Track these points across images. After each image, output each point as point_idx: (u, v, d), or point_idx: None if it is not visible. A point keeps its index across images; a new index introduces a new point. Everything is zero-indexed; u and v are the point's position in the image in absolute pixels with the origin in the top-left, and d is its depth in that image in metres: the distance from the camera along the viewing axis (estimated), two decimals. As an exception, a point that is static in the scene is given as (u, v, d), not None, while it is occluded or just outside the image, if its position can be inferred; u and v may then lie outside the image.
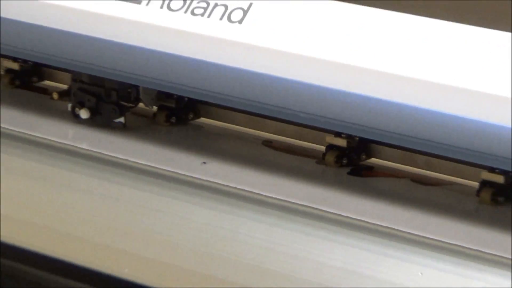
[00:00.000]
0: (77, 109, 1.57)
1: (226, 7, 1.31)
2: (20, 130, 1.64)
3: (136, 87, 1.56)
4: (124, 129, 1.58)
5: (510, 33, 1.15)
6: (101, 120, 1.59)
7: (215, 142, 1.52)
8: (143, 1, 1.39)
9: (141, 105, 1.63)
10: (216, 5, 1.35)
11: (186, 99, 1.49)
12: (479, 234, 1.19)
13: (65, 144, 1.55)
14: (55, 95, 1.68)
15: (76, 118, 1.60)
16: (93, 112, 1.56)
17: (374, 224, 1.22)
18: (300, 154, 1.45)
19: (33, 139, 1.59)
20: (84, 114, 1.55)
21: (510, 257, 1.12)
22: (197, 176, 1.37)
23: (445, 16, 1.23)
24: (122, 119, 1.56)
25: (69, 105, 1.61)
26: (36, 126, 1.67)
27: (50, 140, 1.59)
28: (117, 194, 1.50)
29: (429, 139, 1.23)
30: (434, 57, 1.21)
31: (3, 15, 1.58)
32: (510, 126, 1.11)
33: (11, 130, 1.61)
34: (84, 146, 1.54)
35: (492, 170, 1.22)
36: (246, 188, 1.33)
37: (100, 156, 1.53)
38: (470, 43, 1.19)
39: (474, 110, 1.18)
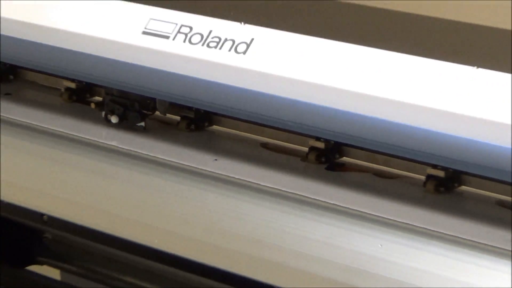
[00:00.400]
0: (108, 116, 1.62)
1: (233, 41, 1.37)
2: (73, 133, 1.64)
3: (153, 99, 1.61)
4: (146, 131, 1.64)
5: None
6: (126, 124, 1.60)
7: (224, 144, 1.58)
8: (170, 36, 1.44)
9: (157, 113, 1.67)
10: (226, 39, 1.39)
11: (203, 111, 1.57)
12: (424, 216, 1.25)
13: (100, 142, 1.61)
14: (92, 105, 1.70)
15: (108, 123, 1.63)
16: (121, 118, 1.62)
17: (344, 207, 1.27)
18: (289, 153, 1.49)
19: (80, 139, 1.62)
20: (114, 119, 1.61)
21: (448, 233, 1.19)
22: (210, 169, 1.44)
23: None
24: (142, 124, 1.62)
25: (103, 113, 1.64)
26: (82, 129, 1.65)
27: (90, 139, 1.63)
28: (140, 182, 1.57)
29: (384, 142, 1.27)
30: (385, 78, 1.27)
31: (56, 44, 1.60)
32: (432, 128, 1.19)
33: (67, 133, 1.64)
34: (114, 143, 1.60)
35: (435, 166, 1.28)
36: (247, 179, 1.39)
37: (126, 152, 1.58)
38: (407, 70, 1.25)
39: (412, 118, 1.22)
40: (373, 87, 1.26)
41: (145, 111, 1.63)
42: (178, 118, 1.63)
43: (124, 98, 1.63)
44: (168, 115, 1.67)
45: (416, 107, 1.23)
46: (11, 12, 1.66)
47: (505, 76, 1.17)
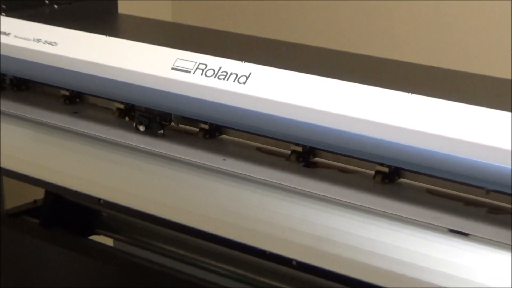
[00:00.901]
0: (138, 125, 1.69)
1: (236, 75, 1.44)
2: (117, 139, 1.69)
3: (170, 114, 1.69)
4: (168, 137, 1.70)
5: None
6: (151, 131, 1.68)
7: (230, 148, 1.63)
8: (191, 71, 1.51)
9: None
10: (231, 73, 1.46)
11: (215, 124, 1.63)
12: (374, 200, 1.36)
13: (131, 144, 1.67)
14: (127, 119, 1.76)
15: (137, 131, 1.69)
16: (146, 127, 1.68)
17: (316, 193, 1.38)
18: (276, 155, 1.57)
19: (121, 143, 1.68)
20: (141, 128, 1.68)
21: (390, 212, 1.31)
22: (219, 167, 1.53)
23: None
24: (162, 131, 1.68)
25: (134, 123, 1.71)
26: (122, 136, 1.69)
27: (126, 143, 1.68)
28: (166, 175, 1.63)
29: (345, 147, 1.38)
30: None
31: (114, 78, 1.66)
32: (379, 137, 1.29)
33: (115, 140, 1.69)
34: (142, 145, 1.65)
35: (381, 164, 1.39)
36: (247, 174, 1.48)
37: (151, 151, 1.64)
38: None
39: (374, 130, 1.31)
40: (334, 107, 1.36)
41: (164, 122, 1.70)
42: (197, 129, 1.67)
43: (149, 113, 1.70)
44: (189, 127, 1.72)
45: (365, 122, 1.32)
46: (82, 54, 1.68)
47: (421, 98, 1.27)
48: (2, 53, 1.74)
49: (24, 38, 1.72)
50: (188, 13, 3.17)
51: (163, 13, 3.15)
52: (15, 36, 1.74)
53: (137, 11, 2.50)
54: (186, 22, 2.97)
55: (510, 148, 1.15)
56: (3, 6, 1.84)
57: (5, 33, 1.74)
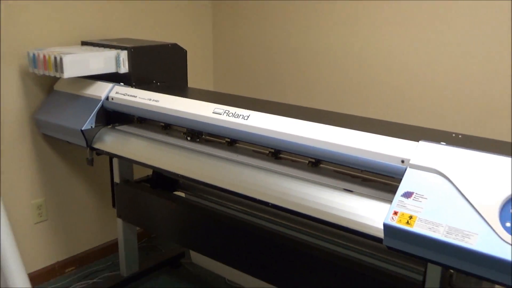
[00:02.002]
0: (187, 137, 1.81)
1: (243, 115, 1.58)
2: (180, 144, 1.79)
3: (201, 132, 1.79)
4: (202, 142, 1.75)
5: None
6: (194, 140, 1.76)
7: (240, 150, 1.71)
8: (222, 113, 1.63)
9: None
10: (237, 113, 1.59)
11: (232, 139, 1.71)
12: (308, 175, 1.47)
13: (187, 146, 1.74)
14: (182, 135, 1.82)
15: (187, 140, 1.78)
16: (192, 138, 1.79)
17: (281, 171, 1.50)
18: (262, 153, 1.65)
19: (181, 145, 1.77)
20: (189, 138, 1.80)
21: (317, 181, 1.41)
22: (235, 159, 1.63)
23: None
24: (198, 139, 1.76)
25: (185, 136, 1.79)
26: (182, 142, 1.79)
27: (186, 146, 1.74)
28: (206, 160, 1.66)
29: (296, 150, 1.47)
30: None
31: (186, 117, 1.71)
32: None
33: (179, 144, 1.79)
34: (189, 146, 1.72)
35: (311, 157, 1.49)
36: (248, 162, 1.59)
37: (194, 149, 1.71)
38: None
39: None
40: (292, 130, 1.46)
41: (200, 136, 1.81)
42: (224, 141, 1.75)
43: (192, 131, 1.82)
44: (218, 139, 1.79)
45: (304, 138, 1.43)
46: (171, 105, 1.80)
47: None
48: (133, 105, 1.85)
49: (143, 98, 1.85)
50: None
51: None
52: (139, 97, 1.87)
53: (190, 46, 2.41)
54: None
55: (367, 150, 1.30)
56: (134, 83, 1.96)
57: (134, 96, 1.89)
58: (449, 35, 1.95)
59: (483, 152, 1.08)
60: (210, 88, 2.83)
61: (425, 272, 1.23)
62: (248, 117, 1.54)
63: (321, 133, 1.36)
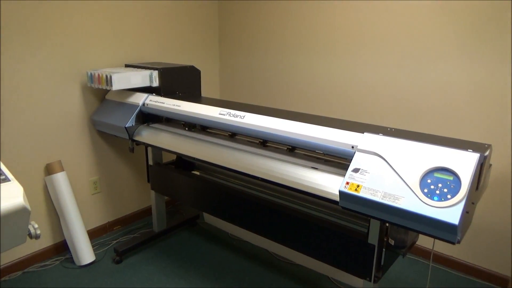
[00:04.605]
0: (186, 128, 1.71)
1: (240, 115, 1.52)
2: (184, 133, 1.71)
3: (209, 127, 1.69)
4: (212, 135, 1.64)
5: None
6: (192, 130, 1.66)
7: (239, 141, 1.62)
8: (226, 114, 1.58)
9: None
10: (236, 114, 1.53)
11: (233, 132, 1.63)
12: (286, 158, 1.41)
13: (197, 136, 1.65)
14: (197, 130, 1.71)
15: (187, 130, 1.66)
16: (189, 129, 1.70)
17: (267, 155, 1.45)
18: (254, 142, 1.60)
19: (196, 137, 1.68)
20: (188, 129, 1.69)
21: (293, 162, 1.36)
22: (235, 146, 1.57)
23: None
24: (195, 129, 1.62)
25: (185, 127, 1.68)
26: (183, 132, 1.69)
27: (197, 136, 1.66)
28: (211, 146, 1.57)
29: (278, 140, 1.40)
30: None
31: (195, 116, 1.62)
32: None
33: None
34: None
35: (289, 145, 1.43)
36: (243, 149, 1.54)
37: (204, 139, 1.62)
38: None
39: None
40: (277, 126, 1.40)
41: (207, 130, 1.71)
42: (227, 134, 1.69)
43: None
44: (222, 133, 1.72)
45: (285, 132, 1.37)
46: (189, 109, 1.69)
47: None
48: (161, 109, 1.76)
49: (169, 104, 1.76)
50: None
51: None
52: (166, 104, 1.78)
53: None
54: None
55: (328, 139, 1.23)
56: (162, 94, 1.87)
57: (162, 103, 1.78)
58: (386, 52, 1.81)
59: (408, 140, 1.08)
60: (217, 96, 2.77)
61: (368, 225, 1.24)
62: (244, 117, 1.51)
63: (296, 128, 1.34)
